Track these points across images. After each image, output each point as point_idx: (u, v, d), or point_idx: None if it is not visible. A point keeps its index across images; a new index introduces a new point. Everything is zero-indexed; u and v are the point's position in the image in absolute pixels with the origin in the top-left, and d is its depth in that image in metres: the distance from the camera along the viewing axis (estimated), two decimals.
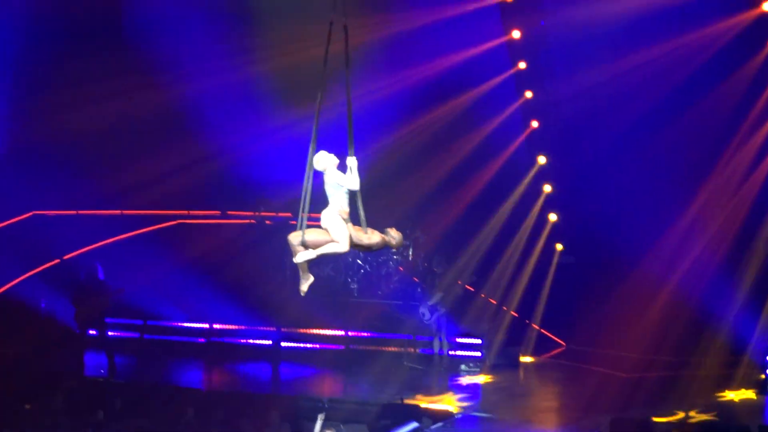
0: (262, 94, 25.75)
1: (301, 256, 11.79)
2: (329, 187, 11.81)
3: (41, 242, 25.04)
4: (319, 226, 11.90)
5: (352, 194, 11.86)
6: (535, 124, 25.22)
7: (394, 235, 12.11)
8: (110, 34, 25.67)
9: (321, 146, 11.90)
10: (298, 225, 11.78)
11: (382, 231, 12.05)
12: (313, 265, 12.10)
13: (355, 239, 11.87)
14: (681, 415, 18.53)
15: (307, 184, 11.78)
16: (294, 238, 11.80)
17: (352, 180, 11.77)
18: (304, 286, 12.14)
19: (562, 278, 25.39)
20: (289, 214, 24.51)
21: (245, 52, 25.13)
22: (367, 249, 12.14)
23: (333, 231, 11.74)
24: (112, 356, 21.39)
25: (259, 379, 22.69)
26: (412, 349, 23.15)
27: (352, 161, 11.81)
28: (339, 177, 11.77)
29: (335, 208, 11.76)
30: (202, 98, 25.99)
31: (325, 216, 11.75)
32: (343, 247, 11.77)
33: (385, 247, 12.18)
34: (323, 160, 11.79)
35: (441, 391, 20.63)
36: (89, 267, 21.35)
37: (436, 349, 22.47)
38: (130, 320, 24.64)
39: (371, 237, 11.92)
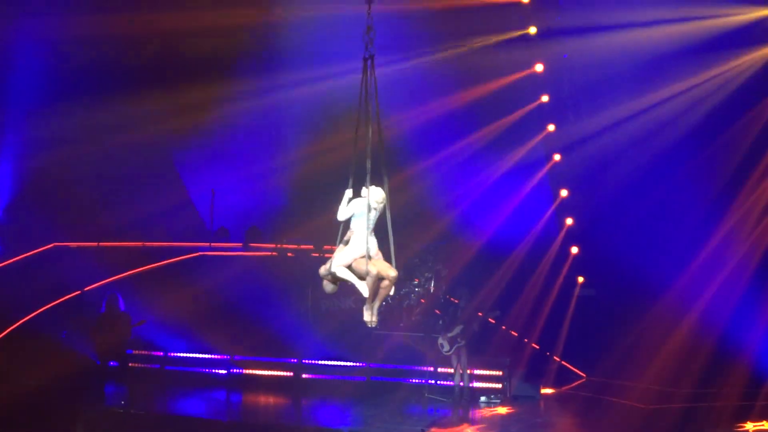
0: (283, 126, 25.89)
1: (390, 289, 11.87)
2: (374, 219, 11.83)
3: (62, 274, 25.11)
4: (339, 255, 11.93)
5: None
6: (557, 157, 25.26)
7: None
8: (128, 69, 25.85)
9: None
10: (368, 257, 11.76)
11: None
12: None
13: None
14: None
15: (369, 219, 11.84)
16: (386, 271, 11.77)
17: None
18: (375, 317, 12.17)
19: (582, 310, 25.35)
20: (310, 246, 24.54)
21: (271, 84, 25.23)
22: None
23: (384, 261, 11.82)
24: (133, 387, 21.41)
25: (280, 411, 22.66)
26: (433, 381, 23.16)
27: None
28: (386, 211, 11.87)
29: (374, 239, 11.82)
30: (220, 129, 26.14)
31: (375, 247, 11.78)
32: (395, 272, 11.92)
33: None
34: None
35: (461, 423, 20.60)
36: (110, 298, 21.37)
37: (457, 381, 22.42)
38: (151, 351, 24.71)
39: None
